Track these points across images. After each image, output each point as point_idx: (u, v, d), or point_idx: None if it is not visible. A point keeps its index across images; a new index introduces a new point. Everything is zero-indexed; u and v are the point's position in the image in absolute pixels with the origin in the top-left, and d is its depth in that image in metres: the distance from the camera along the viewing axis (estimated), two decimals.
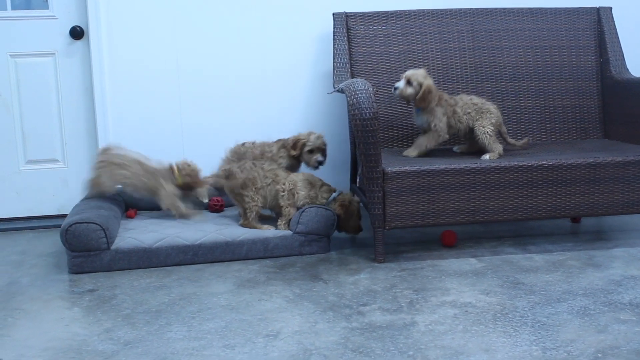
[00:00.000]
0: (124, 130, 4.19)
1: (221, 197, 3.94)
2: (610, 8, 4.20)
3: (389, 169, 3.19)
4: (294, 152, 3.80)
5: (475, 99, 3.66)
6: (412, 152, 3.62)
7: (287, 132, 4.05)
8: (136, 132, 4.19)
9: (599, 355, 2.23)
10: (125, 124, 4.20)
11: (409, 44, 4.06)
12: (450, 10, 4.12)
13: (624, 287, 2.87)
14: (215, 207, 3.94)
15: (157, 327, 2.56)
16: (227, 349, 2.35)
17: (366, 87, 3.14)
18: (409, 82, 3.53)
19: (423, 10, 4.10)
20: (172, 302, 2.81)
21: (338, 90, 3.56)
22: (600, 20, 4.19)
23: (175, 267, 3.29)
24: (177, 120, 4.26)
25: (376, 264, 3.27)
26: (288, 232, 3.44)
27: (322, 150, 3.82)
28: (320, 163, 3.81)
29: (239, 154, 3.89)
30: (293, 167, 3.87)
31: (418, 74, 3.54)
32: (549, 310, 2.62)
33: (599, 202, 3.36)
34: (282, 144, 3.89)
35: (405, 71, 3.63)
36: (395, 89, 3.55)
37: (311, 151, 3.78)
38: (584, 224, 4.00)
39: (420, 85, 3.50)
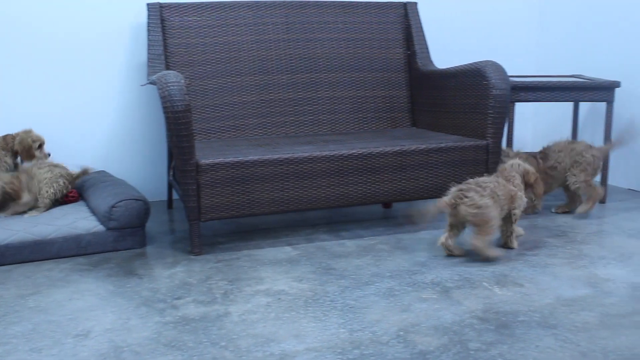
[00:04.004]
0: None
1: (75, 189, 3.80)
2: (416, 3, 4.43)
3: (203, 161, 3.18)
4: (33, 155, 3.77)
5: None
6: None
7: (106, 122, 3.97)
8: None
9: (401, 333, 2.36)
10: None
11: (225, 36, 4.07)
12: (265, 2, 4.17)
13: (427, 267, 3.05)
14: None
15: None
16: (34, 352, 2.26)
17: (178, 79, 3.11)
18: None
19: (238, 2, 4.12)
20: None
21: (151, 82, 3.51)
22: (407, 14, 4.40)
23: None
24: None
25: (193, 257, 3.26)
26: (102, 228, 3.35)
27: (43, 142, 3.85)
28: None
29: None
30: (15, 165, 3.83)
31: None
32: (357, 294, 2.74)
33: (406, 188, 3.54)
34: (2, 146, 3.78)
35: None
36: None
37: (40, 146, 3.81)
38: (395, 208, 4.20)
39: None
